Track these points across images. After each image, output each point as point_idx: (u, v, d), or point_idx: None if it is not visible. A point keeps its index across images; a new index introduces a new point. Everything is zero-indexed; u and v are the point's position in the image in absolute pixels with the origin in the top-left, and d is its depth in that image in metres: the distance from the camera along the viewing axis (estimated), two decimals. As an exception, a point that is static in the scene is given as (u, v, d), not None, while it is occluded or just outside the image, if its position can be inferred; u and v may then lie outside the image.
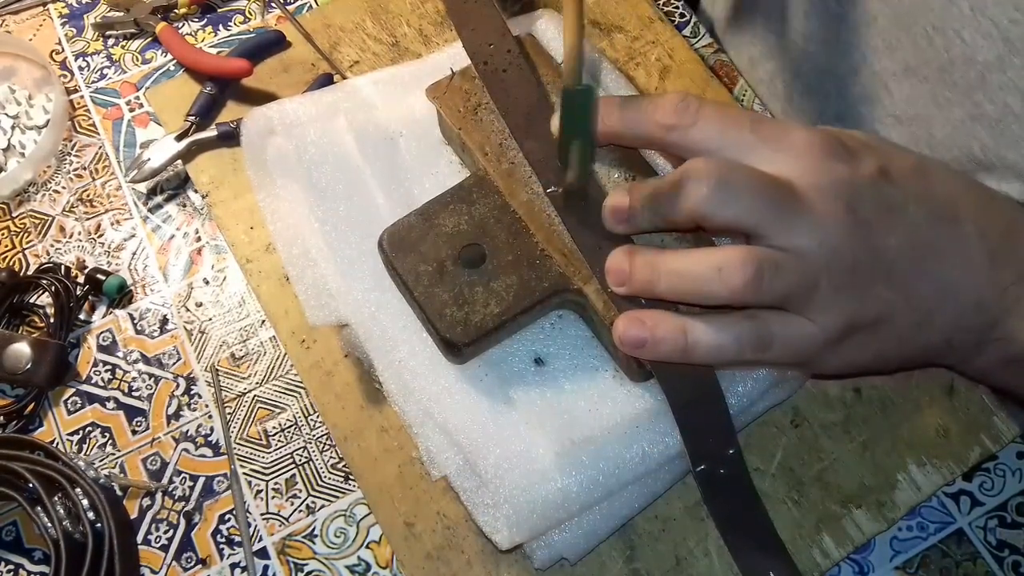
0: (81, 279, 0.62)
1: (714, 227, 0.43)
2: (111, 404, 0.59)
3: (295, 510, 0.55)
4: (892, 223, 0.42)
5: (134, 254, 0.64)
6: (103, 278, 0.61)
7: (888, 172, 0.43)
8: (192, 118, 0.65)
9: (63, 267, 0.62)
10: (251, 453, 0.57)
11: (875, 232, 0.42)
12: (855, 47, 0.57)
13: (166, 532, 0.55)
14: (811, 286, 0.41)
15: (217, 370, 0.59)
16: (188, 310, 0.61)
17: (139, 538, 0.55)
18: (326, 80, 0.65)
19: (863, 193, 0.42)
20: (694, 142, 0.44)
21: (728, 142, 0.43)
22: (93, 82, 0.70)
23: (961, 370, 0.50)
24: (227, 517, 0.55)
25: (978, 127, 0.50)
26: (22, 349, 0.58)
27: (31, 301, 0.62)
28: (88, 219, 0.65)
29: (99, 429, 0.58)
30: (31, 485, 0.53)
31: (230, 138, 0.64)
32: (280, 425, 0.57)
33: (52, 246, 0.64)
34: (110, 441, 0.57)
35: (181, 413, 0.58)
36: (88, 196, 0.66)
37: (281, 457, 0.56)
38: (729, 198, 0.41)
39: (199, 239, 0.64)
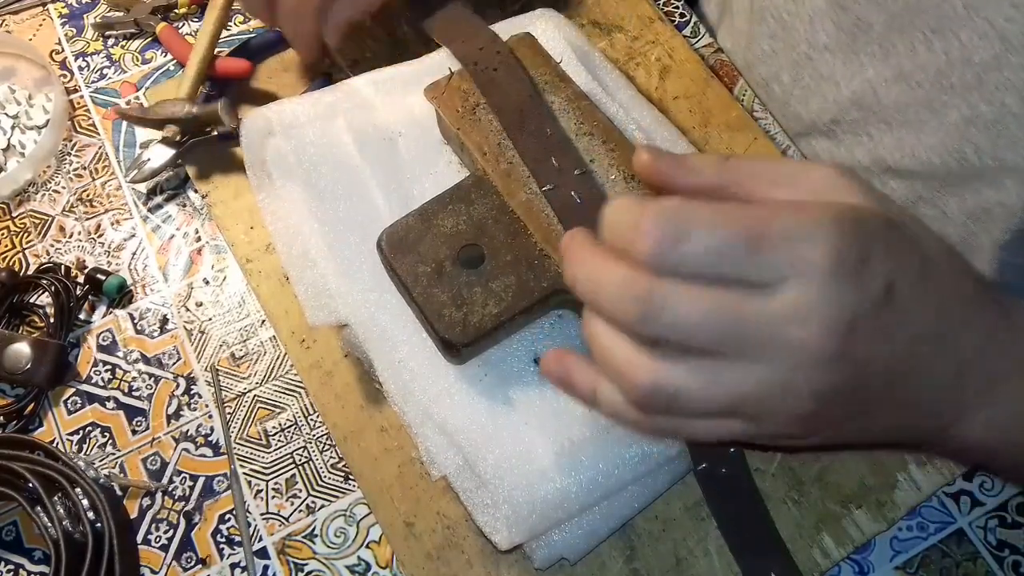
0: (81, 279, 0.62)
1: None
2: (111, 404, 0.59)
3: (295, 510, 0.55)
4: (878, 353, 0.37)
5: (134, 254, 0.64)
6: (103, 278, 0.61)
7: (893, 288, 0.36)
8: (192, 118, 0.65)
9: (63, 267, 0.62)
10: (251, 453, 0.57)
11: (856, 365, 0.36)
12: (851, 53, 0.57)
13: (166, 532, 0.55)
14: (739, 408, 0.36)
15: (217, 370, 0.59)
16: (188, 310, 0.61)
17: (139, 538, 0.55)
18: (326, 80, 0.65)
19: (860, 322, 0.35)
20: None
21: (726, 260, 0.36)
22: (93, 82, 0.70)
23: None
24: (227, 517, 0.55)
25: (973, 129, 0.50)
26: (22, 349, 0.58)
27: (31, 301, 0.62)
28: (88, 219, 0.65)
29: (99, 429, 0.58)
30: (31, 485, 0.53)
31: (230, 138, 0.64)
32: (280, 425, 0.57)
33: (52, 246, 0.64)
34: (110, 441, 0.57)
35: (181, 413, 0.58)
36: (88, 196, 0.66)
37: (281, 457, 0.57)
38: (671, 326, 0.35)
39: (199, 239, 0.64)
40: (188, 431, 0.58)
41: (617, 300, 0.36)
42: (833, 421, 0.38)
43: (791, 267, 0.34)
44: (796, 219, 0.35)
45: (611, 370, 0.37)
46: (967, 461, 0.49)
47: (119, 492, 0.56)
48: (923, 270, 0.39)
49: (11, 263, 0.63)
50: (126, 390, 0.59)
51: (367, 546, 0.54)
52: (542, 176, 0.50)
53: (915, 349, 0.38)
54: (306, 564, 0.54)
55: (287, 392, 0.58)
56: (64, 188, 0.66)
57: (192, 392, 0.59)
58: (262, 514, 0.55)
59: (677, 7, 0.72)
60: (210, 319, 0.61)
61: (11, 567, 0.54)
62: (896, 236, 0.38)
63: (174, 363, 0.60)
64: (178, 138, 0.62)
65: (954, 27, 0.49)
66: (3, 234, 0.64)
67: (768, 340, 0.35)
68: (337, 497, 0.55)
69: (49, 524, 0.52)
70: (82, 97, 0.70)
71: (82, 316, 0.61)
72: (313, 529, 0.54)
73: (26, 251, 0.64)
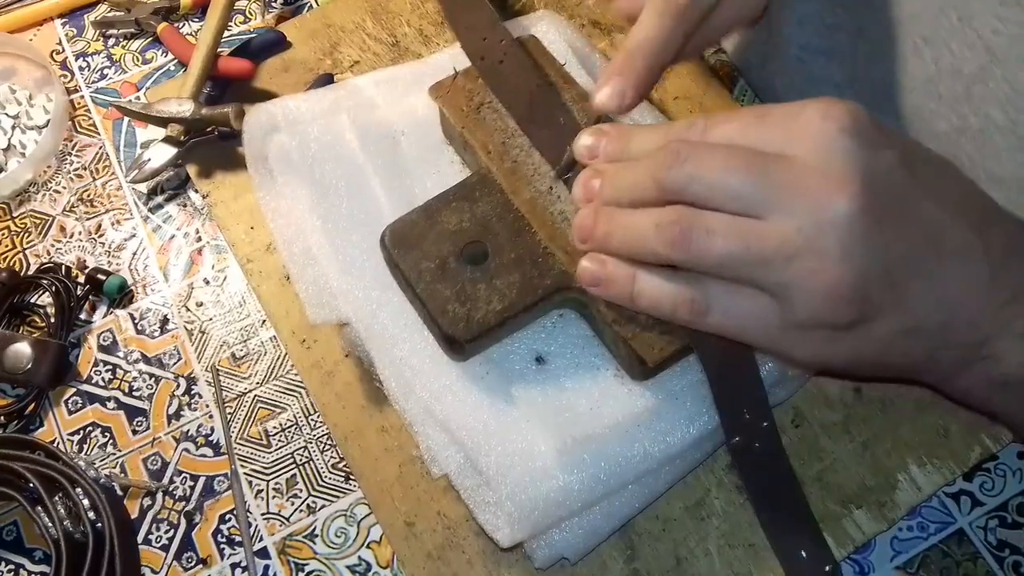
0: (82, 279, 0.62)
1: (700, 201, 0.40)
2: (112, 404, 0.58)
3: (296, 510, 0.55)
4: (903, 219, 0.39)
5: (134, 254, 0.64)
6: (103, 278, 0.61)
7: (910, 163, 0.40)
8: (193, 118, 0.64)
9: (64, 267, 0.62)
10: (252, 453, 0.57)
11: (883, 225, 0.38)
12: (848, 58, 0.57)
13: (167, 532, 0.55)
14: (765, 263, 0.39)
15: (218, 370, 0.59)
16: (188, 310, 0.61)
17: (140, 538, 0.55)
18: (326, 80, 0.65)
19: (879, 179, 0.38)
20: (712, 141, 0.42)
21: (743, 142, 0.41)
22: (93, 82, 0.70)
23: (941, 388, 0.48)
24: (228, 517, 0.55)
25: (963, 139, 0.50)
26: (23, 349, 0.58)
27: (32, 301, 0.61)
28: (88, 219, 0.65)
29: (100, 429, 0.58)
30: (32, 485, 0.53)
31: (230, 138, 0.64)
32: (281, 425, 0.57)
33: (53, 246, 0.64)
34: (111, 441, 0.57)
35: (182, 413, 0.58)
36: (88, 196, 0.66)
37: (282, 457, 0.56)
38: (696, 174, 0.39)
39: (199, 239, 0.64)
40: (189, 431, 0.58)
41: (644, 158, 0.41)
42: (867, 305, 0.39)
43: (799, 132, 0.39)
44: (798, 104, 0.40)
45: (652, 222, 0.40)
46: (1006, 403, 0.47)
47: (120, 492, 0.56)
48: (937, 163, 0.43)
49: (12, 263, 0.63)
50: (127, 390, 0.59)
51: (368, 546, 0.54)
52: (558, 165, 0.50)
53: (945, 230, 0.40)
54: (307, 564, 0.54)
55: (288, 392, 0.58)
56: (65, 188, 0.66)
57: (192, 392, 0.59)
58: (263, 514, 0.55)
59: (677, 9, 0.72)
60: (211, 319, 0.61)
61: (11, 567, 0.54)
62: (904, 135, 0.43)
63: (174, 363, 0.60)
64: (182, 137, 0.62)
65: (946, 37, 0.49)
66: (4, 234, 0.64)
67: (788, 192, 0.38)
68: (338, 497, 0.55)
69: (50, 524, 0.52)
70: (82, 97, 0.70)
71: (83, 316, 0.61)
72: (314, 529, 0.54)
73: (27, 251, 0.64)
